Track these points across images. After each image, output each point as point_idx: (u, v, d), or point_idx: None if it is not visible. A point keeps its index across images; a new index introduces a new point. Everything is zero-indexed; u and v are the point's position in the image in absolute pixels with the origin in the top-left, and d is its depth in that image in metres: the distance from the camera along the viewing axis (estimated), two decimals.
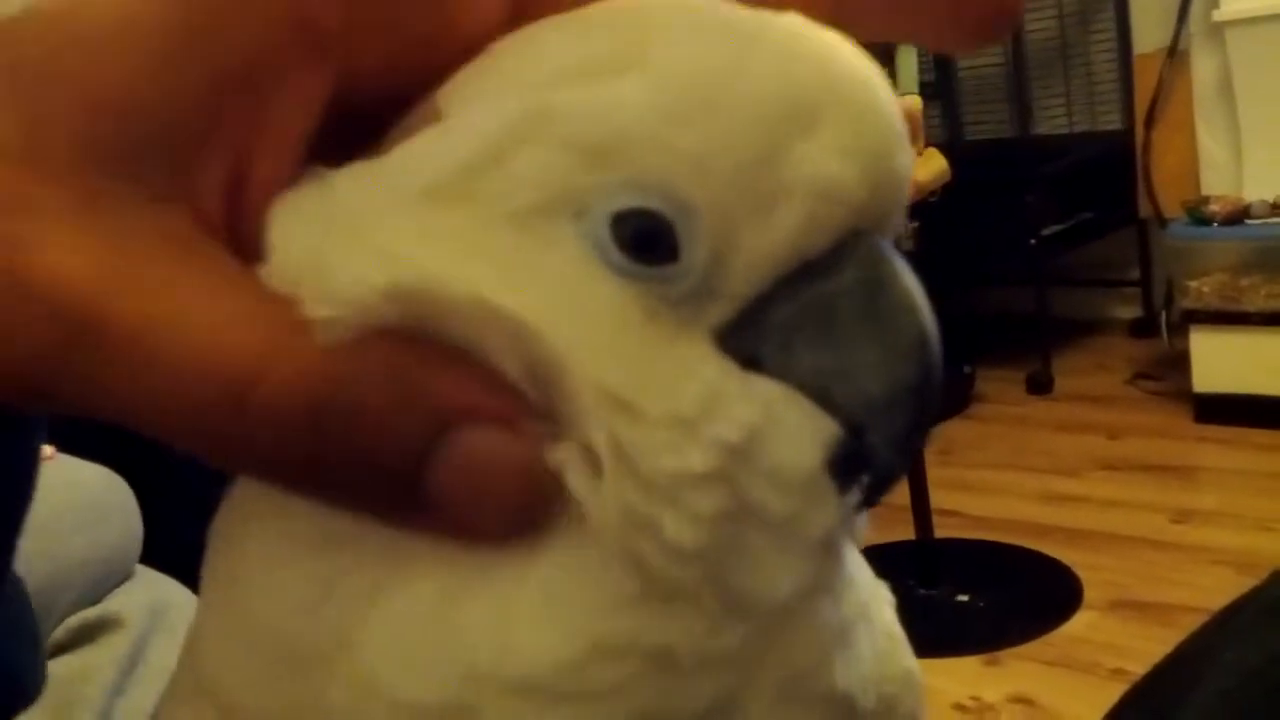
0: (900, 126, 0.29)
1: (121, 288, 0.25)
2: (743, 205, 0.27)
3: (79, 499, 1.01)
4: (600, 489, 0.27)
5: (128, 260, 0.25)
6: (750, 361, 0.28)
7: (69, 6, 0.26)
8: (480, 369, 0.26)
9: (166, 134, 0.26)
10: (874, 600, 0.35)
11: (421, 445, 0.25)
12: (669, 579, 0.27)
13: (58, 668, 0.93)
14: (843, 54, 0.28)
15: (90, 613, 0.98)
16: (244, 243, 0.27)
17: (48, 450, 1.02)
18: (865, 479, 0.28)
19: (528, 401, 0.26)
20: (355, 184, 0.28)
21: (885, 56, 2.78)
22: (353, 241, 0.27)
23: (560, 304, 0.27)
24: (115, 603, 1.00)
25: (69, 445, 1.06)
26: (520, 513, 0.26)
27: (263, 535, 0.29)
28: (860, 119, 0.28)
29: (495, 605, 0.27)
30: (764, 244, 0.27)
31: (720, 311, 0.28)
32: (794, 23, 0.28)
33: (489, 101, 0.28)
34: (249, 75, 0.26)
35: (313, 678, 0.28)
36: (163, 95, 0.26)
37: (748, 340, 0.28)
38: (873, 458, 0.28)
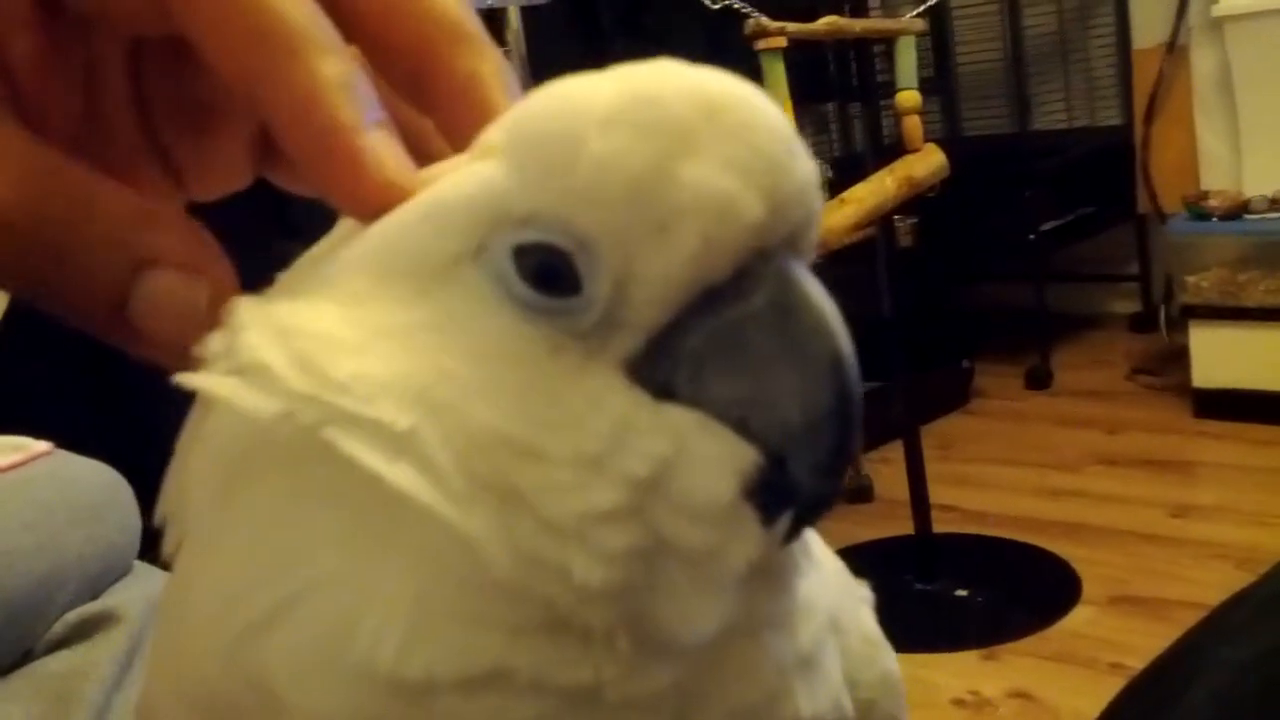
0: (791, 142, 0.28)
1: None
2: (637, 231, 0.27)
3: (76, 495, 1.01)
4: (495, 534, 0.26)
5: None
6: (664, 392, 0.27)
7: None
8: (186, 226, 0.31)
9: None
10: (847, 608, 0.35)
11: (121, 282, 0.30)
12: (578, 619, 0.26)
13: (56, 663, 0.93)
14: (713, 79, 0.28)
15: (88, 608, 0.98)
16: (26, 110, 0.32)
17: (45, 446, 1.02)
18: (792, 508, 0.28)
19: (214, 251, 0.31)
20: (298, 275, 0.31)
21: (885, 51, 2.78)
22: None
23: (459, 347, 0.27)
24: (113, 598, 1.00)
25: (66, 442, 1.06)
26: (184, 349, 0.29)
27: (198, 583, 0.30)
28: (742, 135, 0.27)
29: (394, 616, 0.26)
30: (664, 269, 0.27)
31: (629, 342, 0.27)
32: (654, 66, 0.29)
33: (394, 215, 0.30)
34: None
35: None
36: None
37: (660, 371, 0.27)
38: (797, 486, 0.27)
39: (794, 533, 0.28)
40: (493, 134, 0.29)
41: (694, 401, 0.27)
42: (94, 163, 0.31)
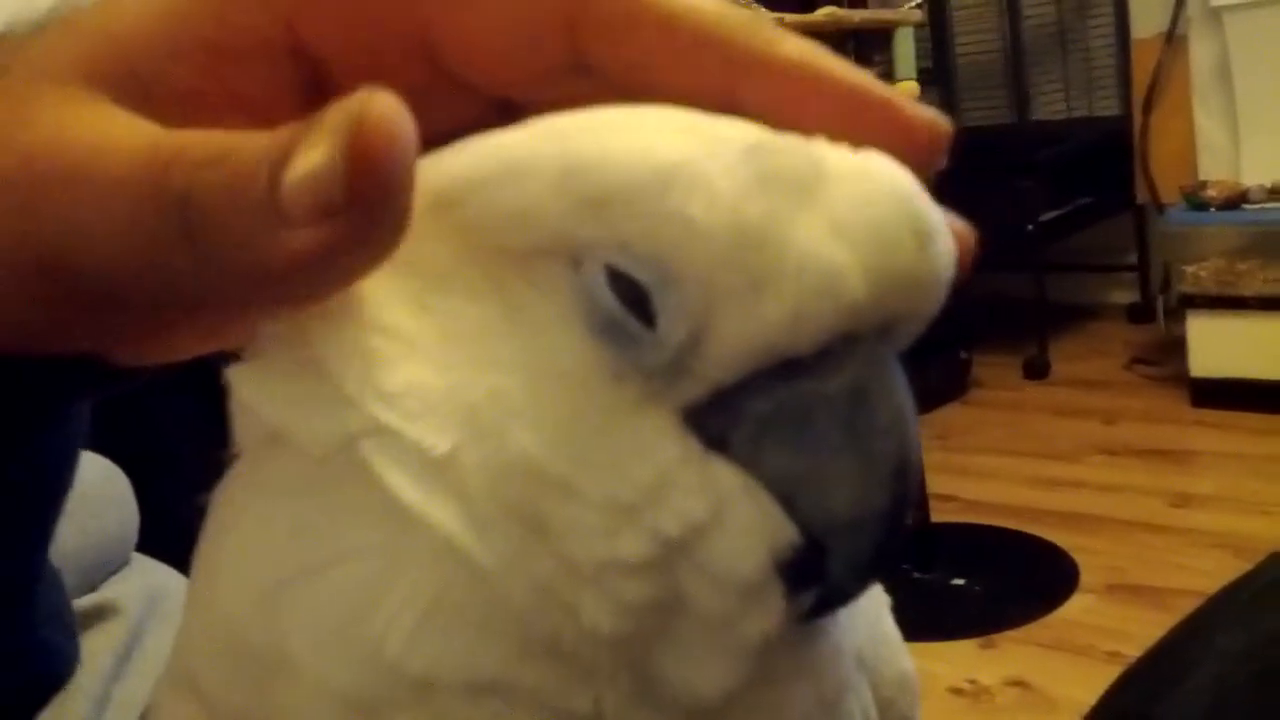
0: (924, 231, 0.26)
1: None
2: (728, 285, 0.26)
3: (75, 487, 1.01)
4: (512, 563, 0.26)
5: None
6: (718, 443, 0.27)
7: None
8: None
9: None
10: (878, 617, 0.35)
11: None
12: (583, 655, 0.26)
13: None
14: (875, 160, 0.27)
15: (87, 600, 0.98)
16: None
17: None
18: (816, 592, 0.27)
19: None
20: None
21: (883, 41, 2.77)
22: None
23: (520, 359, 0.27)
24: (112, 590, 1.00)
25: None
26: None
27: (239, 529, 0.30)
28: (868, 206, 0.26)
29: (410, 606, 0.26)
30: (746, 331, 0.26)
31: (692, 390, 0.27)
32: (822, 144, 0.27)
33: (511, 134, 0.28)
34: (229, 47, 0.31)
35: (267, 679, 0.28)
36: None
37: (720, 422, 0.27)
38: (829, 577, 0.27)
39: (816, 614, 0.28)
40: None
41: (746, 463, 0.27)
42: None
